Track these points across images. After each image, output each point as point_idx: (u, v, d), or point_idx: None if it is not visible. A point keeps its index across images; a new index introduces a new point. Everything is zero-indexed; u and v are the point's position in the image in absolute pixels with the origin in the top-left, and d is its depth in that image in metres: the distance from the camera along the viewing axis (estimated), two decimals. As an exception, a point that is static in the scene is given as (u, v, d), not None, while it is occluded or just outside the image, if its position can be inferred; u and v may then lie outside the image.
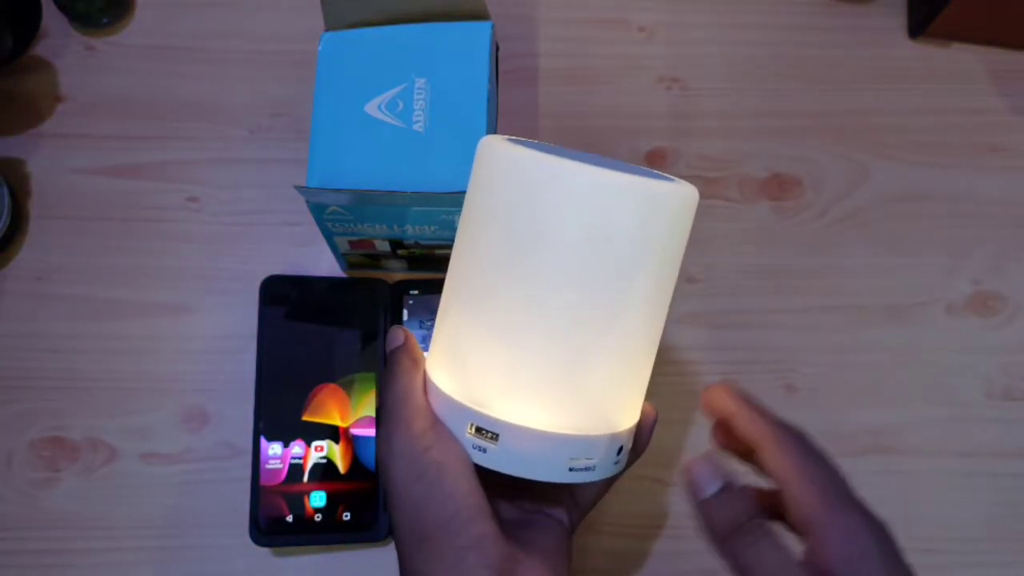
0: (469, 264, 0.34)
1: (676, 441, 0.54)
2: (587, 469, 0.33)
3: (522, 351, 0.32)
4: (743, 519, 0.31)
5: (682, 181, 0.35)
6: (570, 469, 0.33)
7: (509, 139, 0.35)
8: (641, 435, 0.37)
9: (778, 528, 0.32)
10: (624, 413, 0.35)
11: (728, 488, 0.31)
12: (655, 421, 0.38)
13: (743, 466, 0.36)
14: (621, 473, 0.37)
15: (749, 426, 0.34)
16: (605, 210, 0.31)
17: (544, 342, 0.32)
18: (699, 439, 0.53)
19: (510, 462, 0.33)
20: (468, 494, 0.32)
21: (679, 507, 0.52)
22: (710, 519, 0.31)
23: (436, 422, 0.34)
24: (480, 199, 0.34)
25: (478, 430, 0.33)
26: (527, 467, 0.33)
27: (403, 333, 0.37)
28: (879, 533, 0.31)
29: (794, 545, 0.32)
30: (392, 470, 0.34)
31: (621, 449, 0.35)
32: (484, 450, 0.33)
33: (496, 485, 0.35)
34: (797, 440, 0.34)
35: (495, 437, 0.33)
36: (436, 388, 0.35)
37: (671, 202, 0.33)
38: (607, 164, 0.34)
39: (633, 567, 0.51)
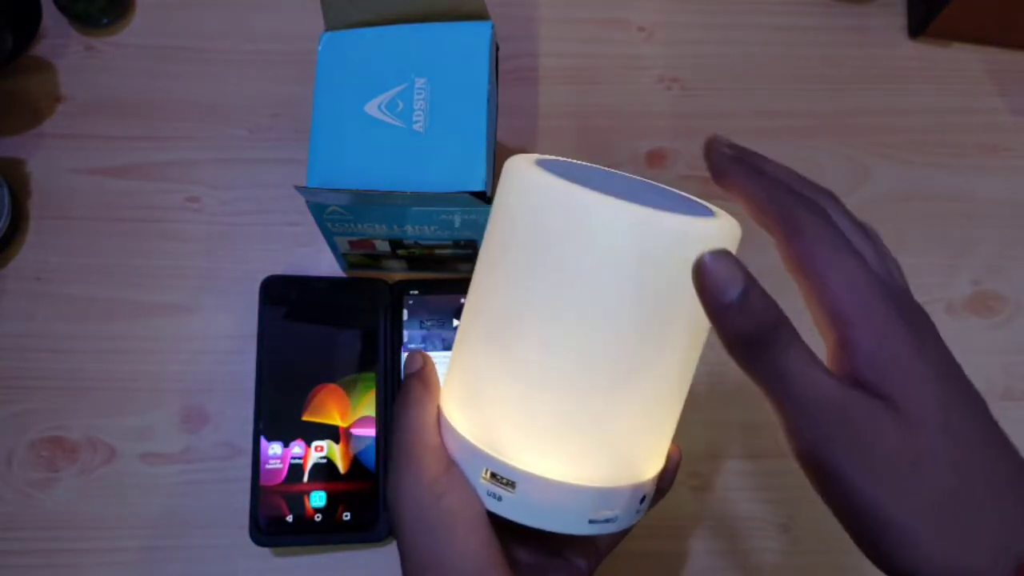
0: (491, 296, 0.31)
1: (676, 443, 0.54)
2: (608, 521, 0.31)
3: (543, 398, 0.30)
4: (769, 324, 0.26)
5: (723, 213, 0.32)
6: (590, 521, 0.31)
7: (538, 160, 0.32)
8: (665, 476, 0.35)
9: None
10: (649, 462, 0.32)
11: (751, 290, 0.26)
12: (679, 462, 0.36)
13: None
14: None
15: (766, 208, 0.29)
16: (639, 251, 0.28)
17: (567, 389, 0.30)
18: (700, 439, 0.53)
19: (527, 512, 0.31)
20: (482, 549, 0.31)
21: (680, 508, 0.52)
22: (733, 326, 0.26)
23: (450, 465, 0.32)
24: (504, 225, 0.31)
25: (493, 476, 0.31)
26: (545, 519, 0.31)
27: (421, 359, 0.35)
28: (921, 333, 0.27)
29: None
30: (401, 517, 0.32)
31: (644, 498, 0.32)
32: (499, 498, 0.31)
33: (512, 527, 0.33)
34: (824, 222, 0.28)
35: (512, 485, 0.30)
36: (450, 427, 0.33)
37: (713, 243, 0.29)
38: (639, 190, 0.32)
39: (633, 567, 0.51)
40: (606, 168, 0.36)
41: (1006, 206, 0.59)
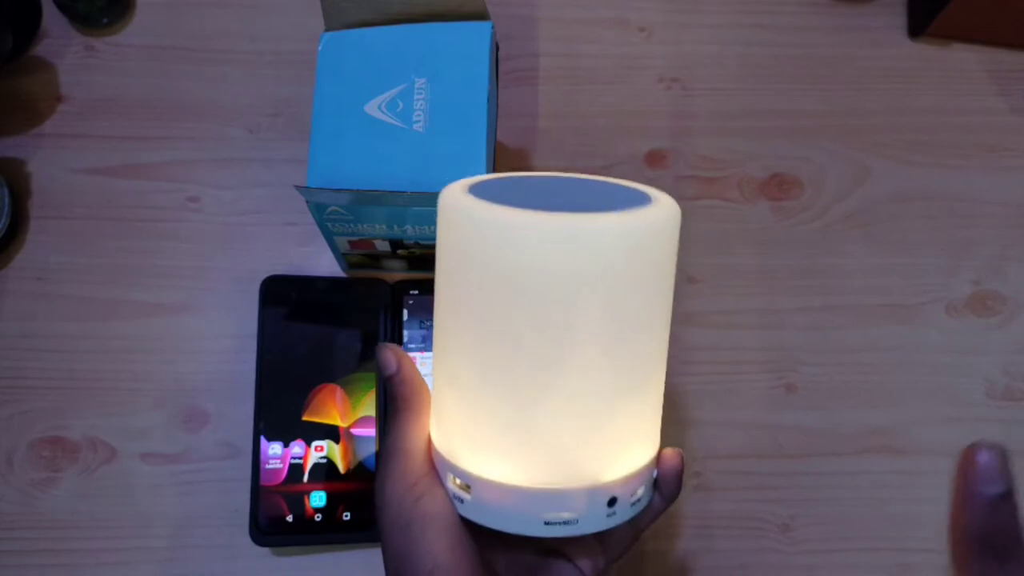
0: (435, 314, 0.34)
1: (676, 443, 0.54)
2: (567, 523, 0.31)
3: (477, 406, 0.31)
4: (1008, 538, 0.26)
5: (661, 200, 0.32)
6: (546, 523, 0.31)
7: (473, 185, 0.33)
8: (667, 482, 0.35)
9: None
10: (608, 465, 0.32)
11: (1010, 496, 0.26)
12: (679, 468, 0.35)
13: None
14: (651, 521, 0.35)
15: None
16: (536, 258, 0.29)
17: (495, 397, 0.31)
18: (700, 441, 0.53)
19: (483, 514, 0.32)
20: (449, 551, 0.32)
21: (680, 508, 0.52)
22: (980, 519, 0.26)
23: (429, 472, 0.34)
24: (438, 250, 0.33)
25: (455, 480, 0.33)
26: (500, 520, 0.32)
27: (394, 358, 0.36)
28: None
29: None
30: (383, 513, 0.34)
31: (614, 501, 0.32)
32: (462, 501, 0.32)
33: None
34: None
35: (467, 488, 0.32)
36: (431, 434, 0.35)
37: (628, 242, 0.29)
38: (571, 192, 0.32)
39: (633, 567, 0.51)
40: (548, 174, 0.36)
41: (1006, 206, 0.59)
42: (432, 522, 0.32)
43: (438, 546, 0.32)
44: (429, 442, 0.35)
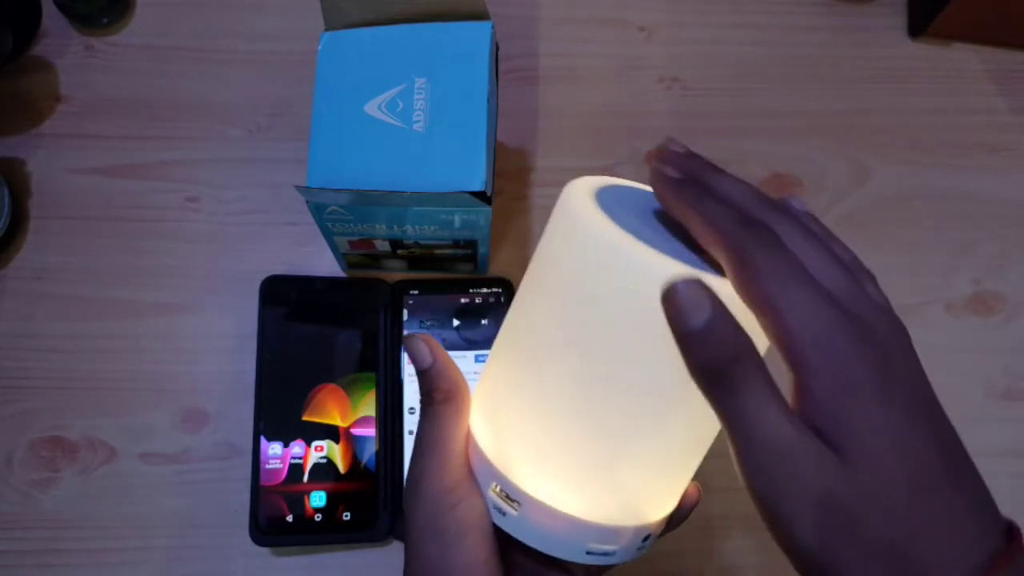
0: (530, 320, 0.32)
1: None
2: (606, 554, 0.31)
3: (558, 432, 0.30)
4: (732, 356, 0.25)
5: None
6: (588, 552, 0.31)
7: (598, 191, 0.31)
8: (678, 515, 0.35)
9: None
10: (658, 506, 0.33)
11: (717, 318, 0.25)
12: (696, 503, 0.36)
13: None
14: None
15: (713, 239, 0.27)
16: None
17: (584, 430, 0.30)
18: (699, 439, 0.53)
19: (527, 533, 0.31)
20: (483, 562, 0.31)
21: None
22: (696, 354, 0.25)
23: (468, 475, 0.32)
24: (556, 256, 0.31)
25: (501, 491, 0.32)
26: (543, 542, 0.31)
27: (428, 350, 0.33)
28: (885, 370, 0.26)
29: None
30: (414, 518, 0.32)
31: (648, 537, 0.33)
32: (504, 513, 0.32)
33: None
34: (774, 254, 0.26)
35: (516, 504, 0.31)
36: (472, 435, 0.33)
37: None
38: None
39: (633, 567, 0.51)
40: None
41: (1006, 206, 0.59)
42: (469, 530, 0.31)
43: (475, 556, 0.31)
44: (467, 441, 0.33)
